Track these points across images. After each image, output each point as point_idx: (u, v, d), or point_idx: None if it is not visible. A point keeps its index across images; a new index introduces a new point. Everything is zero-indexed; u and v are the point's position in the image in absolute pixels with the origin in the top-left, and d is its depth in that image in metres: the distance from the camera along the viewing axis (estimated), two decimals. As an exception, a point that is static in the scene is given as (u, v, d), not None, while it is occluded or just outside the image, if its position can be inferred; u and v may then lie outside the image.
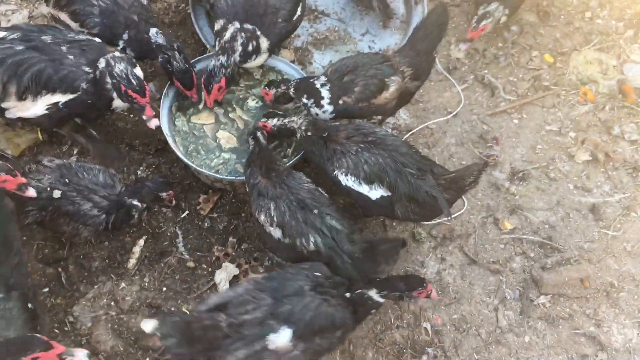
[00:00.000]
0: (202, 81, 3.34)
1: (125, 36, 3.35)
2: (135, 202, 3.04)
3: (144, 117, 3.11)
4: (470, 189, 3.06)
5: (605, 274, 3.43)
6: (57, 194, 2.91)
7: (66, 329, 3.05)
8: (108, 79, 3.03)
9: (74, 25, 3.35)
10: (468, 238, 3.50)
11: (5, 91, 2.97)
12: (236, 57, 3.31)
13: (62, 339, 2.99)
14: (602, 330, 3.27)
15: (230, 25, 3.31)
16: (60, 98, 3.03)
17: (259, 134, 3.14)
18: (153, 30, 3.33)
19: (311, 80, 3.30)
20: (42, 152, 3.52)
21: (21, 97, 2.99)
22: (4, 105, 3.02)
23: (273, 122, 3.22)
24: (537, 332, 3.25)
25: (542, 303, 3.33)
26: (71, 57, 3.02)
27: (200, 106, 3.49)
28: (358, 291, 2.76)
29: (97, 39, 3.17)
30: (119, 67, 3.03)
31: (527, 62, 4.13)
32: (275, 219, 2.91)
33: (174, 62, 3.29)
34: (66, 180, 2.94)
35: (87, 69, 3.04)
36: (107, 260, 3.28)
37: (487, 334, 3.24)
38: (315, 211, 2.92)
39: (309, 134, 3.09)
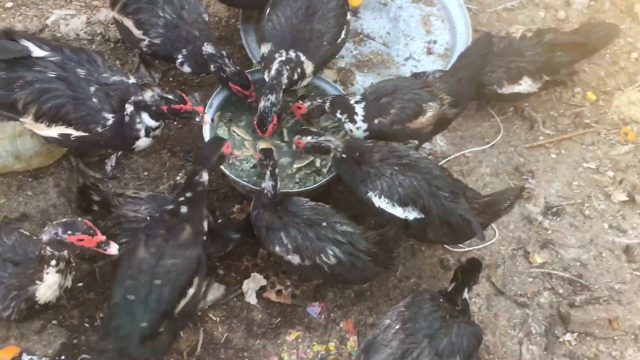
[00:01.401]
0: (254, 123, 3.38)
1: (184, 51, 3.45)
2: (235, 236, 3.23)
3: (197, 119, 3.21)
4: (505, 213, 3.09)
5: (634, 317, 3.37)
6: None
7: (96, 324, 3.13)
8: (137, 122, 3.11)
9: (137, 32, 3.46)
10: (497, 269, 3.49)
11: (25, 109, 3.07)
12: (281, 95, 3.37)
13: (91, 333, 3.08)
14: (627, 374, 3.22)
15: (277, 54, 3.39)
16: (73, 132, 3.11)
17: (272, 182, 3.06)
18: (205, 43, 3.43)
19: (346, 97, 3.38)
20: (87, 151, 3.65)
21: (37, 120, 3.10)
22: (22, 119, 3.14)
23: (307, 139, 3.20)
24: (561, 369, 3.22)
25: (568, 341, 3.29)
26: (95, 100, 3.07)
27: (242, 123, 3.57)
28: (463, 298, 2.88)
29: (132, 80, 3.22)
30: (148, 95, 3.09)
31: (569, 99, 4.12)
32: (289, 245, 2.99)
33: (226, 68, 3.39)
34: None
35: (107, 115, 3.09)
36: (140, 261, 3.36)
37: (509, 367, 3.22)
38: (324, 224, 3.01)
39: (344, 156, 3.13)
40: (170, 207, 2.88)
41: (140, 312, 2.72)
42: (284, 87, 3.38)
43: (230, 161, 3.38)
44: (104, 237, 2.70)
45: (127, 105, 3.12)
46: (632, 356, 3.27)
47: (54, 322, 3.12)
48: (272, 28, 3.46)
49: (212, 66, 3.43)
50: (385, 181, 3.03)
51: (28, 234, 2.99)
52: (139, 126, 3.14)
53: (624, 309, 3.39)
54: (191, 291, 2.84)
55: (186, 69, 3.53)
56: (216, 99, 3.55)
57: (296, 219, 3.04)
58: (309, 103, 3.41)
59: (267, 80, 3.39)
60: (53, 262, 2.70)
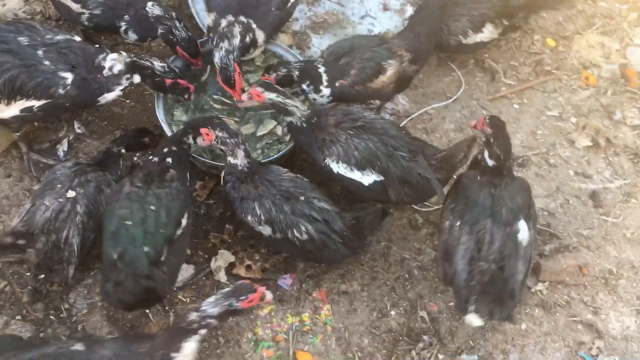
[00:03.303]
0: (218, 80, 3.21)
1: (127, 17, 3.32)
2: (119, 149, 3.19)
3: (186, 97, 3.30)
4: (462, 165, 3.07)
5: (604, 261, 3.40)
6: None
7: (62, 315, 3.04)
8: (125, 79, 3.11)
9: (75, 6, 3.32)
10: (466, 225, 3.47)
11: None
12: (236, 42, 3.19)
13: (57, 325, 3.00)
14: (599, 318, 3.25)
15: (222, 20, 3.25)
16: (35, 103, 3.00)
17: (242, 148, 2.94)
18: (149, 4, 3.28)
19: (315, 64, 3.23)
20: (37, 138, 3.51)
21: None
22: None
23: (270, 95, 2.98)
24: (534, 319, 3.24)
25: (540, 290, 3.30)
26: (47, 62, 2.95)
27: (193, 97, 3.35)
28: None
29: (77, 38, 3.13)
30: (158, 65, 3.12)
31: (528, 46, 4.07)
32: (262, 217, 2.92)
33: (176, 31, 3.26)
34: None
35: (64, 74, 2.98)
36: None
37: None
38: (302, 198, 2.93)
39: (304, 125, 3.03)
40: (154, 158, 2.90)
41: (140, 236, 2.68)
42: (238, 42, 3.19)
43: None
44: (263, 288, 2.55)
45: (112, 62, 3.07)
46: (603, 300, 3.31)
47: (18, 317, 3.02)
48: None
49: (159, 28, 3.28)
50: (341, 146, 2.96)
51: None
52: (124, 82, 3.11)
53: (593, 254, 3.41)
54: (184, 222, 2.83)
55: (132, 36, 3.40)
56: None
57: (272, 190, 2.94)
58: (274, 74, 3.18)
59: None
60: (203, 331, 2.41)
